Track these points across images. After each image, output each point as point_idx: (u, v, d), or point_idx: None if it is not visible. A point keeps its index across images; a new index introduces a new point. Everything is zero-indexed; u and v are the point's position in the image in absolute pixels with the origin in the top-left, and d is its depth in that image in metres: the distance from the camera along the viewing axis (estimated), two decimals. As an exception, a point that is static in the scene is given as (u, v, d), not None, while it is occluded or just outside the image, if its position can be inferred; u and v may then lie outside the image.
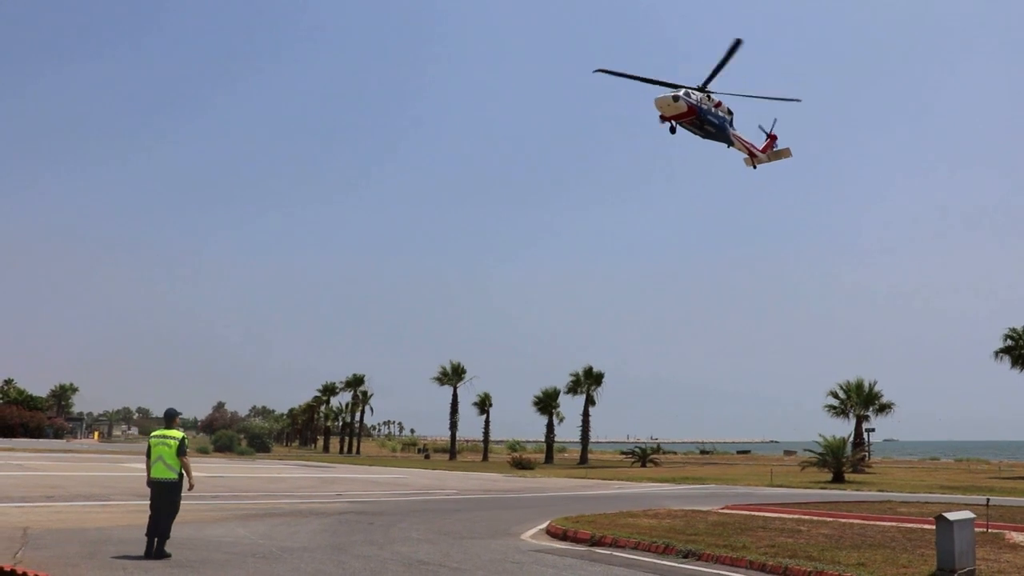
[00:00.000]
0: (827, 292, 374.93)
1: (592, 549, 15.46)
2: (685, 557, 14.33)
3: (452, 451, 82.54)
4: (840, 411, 59.66)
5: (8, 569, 8.02)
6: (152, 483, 12.85)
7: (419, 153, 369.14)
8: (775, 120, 37.46)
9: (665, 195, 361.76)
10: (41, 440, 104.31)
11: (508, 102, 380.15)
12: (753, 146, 36.22)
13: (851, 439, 53.53)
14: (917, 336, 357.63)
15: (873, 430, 66.87)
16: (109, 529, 15.92)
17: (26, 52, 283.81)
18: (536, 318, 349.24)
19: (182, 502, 13.32)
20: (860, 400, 59.12)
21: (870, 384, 59.63)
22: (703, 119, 32.73)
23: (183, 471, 12.91)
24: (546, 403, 73.51)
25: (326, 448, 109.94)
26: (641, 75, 31.54)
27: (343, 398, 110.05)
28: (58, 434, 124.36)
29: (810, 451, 48.64)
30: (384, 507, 23.28)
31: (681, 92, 31.64)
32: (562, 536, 17.00)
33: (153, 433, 13.26)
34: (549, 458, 72.77)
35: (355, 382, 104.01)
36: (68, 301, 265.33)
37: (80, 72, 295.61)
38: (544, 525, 18.84)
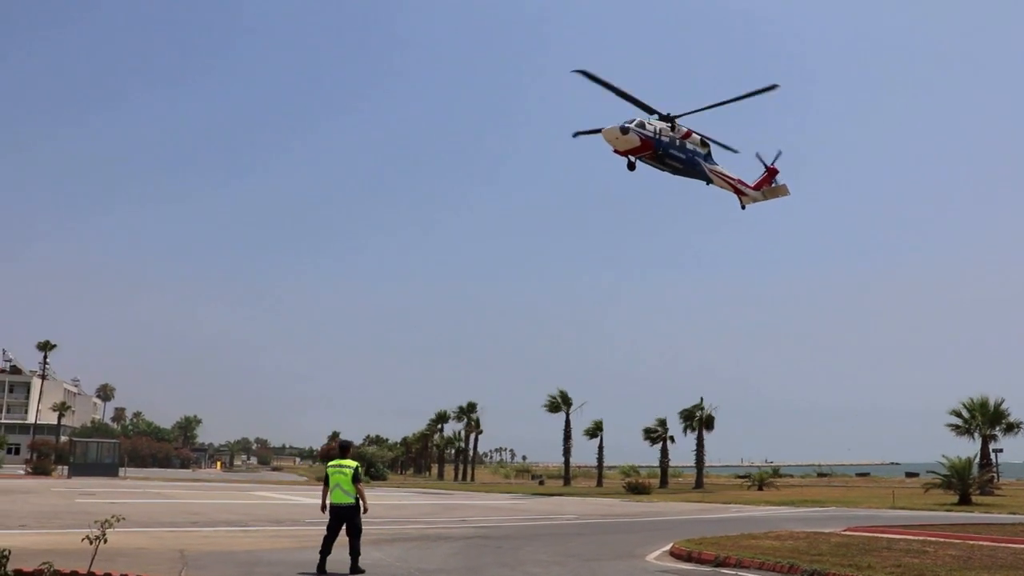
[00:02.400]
0: (951, 299, 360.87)
1: (717, 570, 15.79)
2: (810, 577, 14.55)
3: (566, 477, 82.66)
4: (965, 430, 57.76)
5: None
6: (332, 508, 13.95)
7: (524, 175, 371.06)
8: (779, 153, 33.88)
9: (773, 218, 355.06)
10: (169, 470, 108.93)
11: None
12: (741, 182, 32.53)
13: (977, 460, 51.88)
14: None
15: (1001, 450, 64.37)
16: (256, 552, 16.93)
17: (111, 80, 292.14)
18: (645, 340, 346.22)
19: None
20: (986, 419, 57.10)
21: (996, 402, 57.53)
22: (664, 153, 29.57)
23: (358, 496, 13.95)
24: (656, 433, 73.61)
25: (440, 475, 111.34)
26: (624, 89, 28.42)
27: (455, 426, 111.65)
28: (184, 464, 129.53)
29: (934, 473, 47.34)
30: (508, 531, 23.90)
31: (633, 123, 28.79)
32: (686, 558, 17.34)
33: (330, 463, 14.33)
34: (664, 483, 72.47)
35: (467, 409, 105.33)
36: (190, 338, 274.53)
37: (167, 103, 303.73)
38: (667, 547, 19.17)
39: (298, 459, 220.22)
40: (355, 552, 13.79)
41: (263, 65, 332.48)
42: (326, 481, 14.14)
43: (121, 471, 68.93)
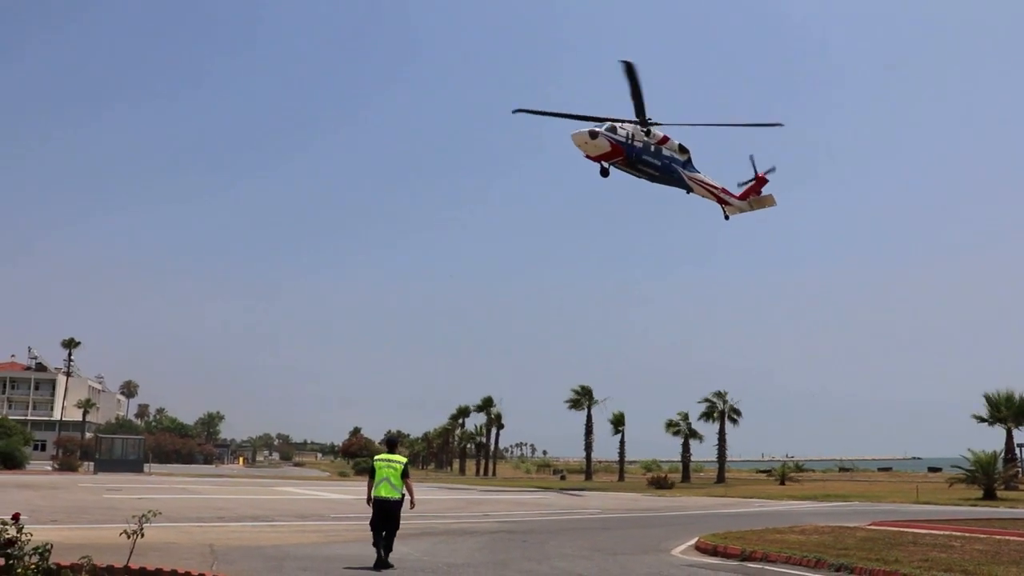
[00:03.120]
0: (971, 294, 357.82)
1: (744, 564, 15.83)
2: (837, 571, 14.55)
3: (588, 472, 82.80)
4: (994, 420, 57.25)
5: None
6: (377, 502, 13.92)
7: (544, 173, 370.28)
8: (773, 168, 32.43)
9: (793, 213, 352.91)
10: (193, 466, 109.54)
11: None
12: (725, 191, 31.56)
13: (1002, 454, 51.55)
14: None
15: None
16: (284, 547, 17.06)
17: (129, 82, 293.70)
18: (667, 335, 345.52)
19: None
20: (1011, 412, 56.69)
21: (1022, 396, 57.11)
22: (637, 159, 28.42)
23: (406, 492, 14.04)
24: (679, 428, 73.54)
25: (462, 470, 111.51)
26: (564, 112, 27.68)
27: (475, 421, 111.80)
28: (207, 460, 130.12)
29: (957, 467, 47.08)
30: (533, 526, 23.99)
31: (603, 127, 27.65)
32: (712, 552, 17.37)
33: (377, 457, 14.41)
34: (686, 477, 72.44)
35: (486, 404, 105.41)
36: (211, 335, 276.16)
37: (186, 104, 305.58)
38: (693, 541, 19.23)
39: (319, 454, 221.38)
40: (388, 547, 13.90)
41: (274, 65, 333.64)
42: (372, 474, 14.15)
43: (146, 467, 69.31)
